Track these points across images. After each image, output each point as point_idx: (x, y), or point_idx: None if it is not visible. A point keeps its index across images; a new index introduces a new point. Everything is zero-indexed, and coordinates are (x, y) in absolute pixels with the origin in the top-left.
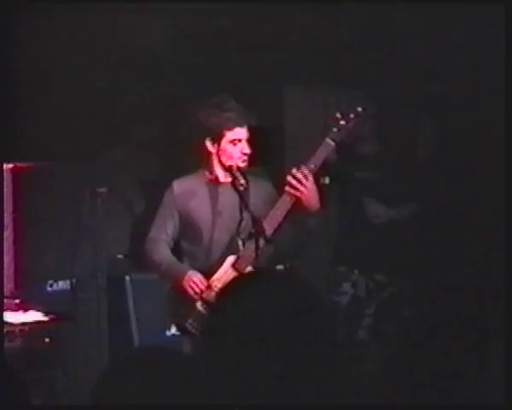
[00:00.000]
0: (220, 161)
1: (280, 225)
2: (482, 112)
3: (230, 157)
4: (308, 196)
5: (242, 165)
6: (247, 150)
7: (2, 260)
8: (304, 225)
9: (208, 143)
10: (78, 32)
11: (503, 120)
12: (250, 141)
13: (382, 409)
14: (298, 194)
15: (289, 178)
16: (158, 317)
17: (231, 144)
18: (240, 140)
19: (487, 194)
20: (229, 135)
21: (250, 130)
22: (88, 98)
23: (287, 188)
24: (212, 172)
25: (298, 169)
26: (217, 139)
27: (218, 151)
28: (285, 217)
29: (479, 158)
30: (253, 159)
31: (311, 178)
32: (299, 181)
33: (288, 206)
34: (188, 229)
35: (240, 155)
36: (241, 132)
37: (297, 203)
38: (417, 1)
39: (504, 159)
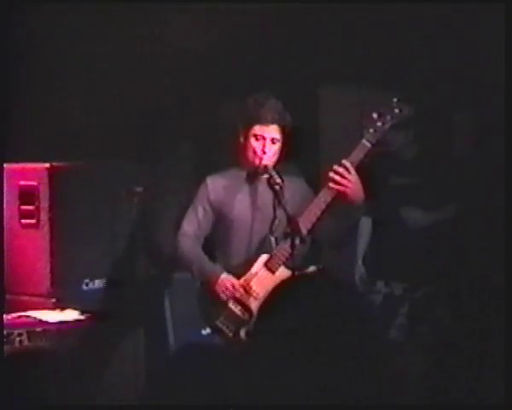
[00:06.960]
0: (247, 156)
1: (314, 226)
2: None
3: (254, 153)
4: (353, 188)
5: (265, 163)
6: (267, 149)
7: (3, 259)
8: (347, 215)
9: (240, 137)
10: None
11: None
12: (283, 142)
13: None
14: (342, 188)
15: (332, 173)
16: (193, 315)
17: (254, 139)
18: (264, 137)
19: None
20: (255, 129)
21: (284, 131)
22: (121, 97)
23: (330, 184)
24: (244, 168)
25: (339, 165)
26: (245, 133)
27: (245, 145)
28: (319, 217)
29: None
30: (287, 157)
31: (353, 170)
32: (341, 175)
33: (323, 206)
34: (220, 225)
35: (261, 153)
36: (266, 130)
37: (339, 199)
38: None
39: None
